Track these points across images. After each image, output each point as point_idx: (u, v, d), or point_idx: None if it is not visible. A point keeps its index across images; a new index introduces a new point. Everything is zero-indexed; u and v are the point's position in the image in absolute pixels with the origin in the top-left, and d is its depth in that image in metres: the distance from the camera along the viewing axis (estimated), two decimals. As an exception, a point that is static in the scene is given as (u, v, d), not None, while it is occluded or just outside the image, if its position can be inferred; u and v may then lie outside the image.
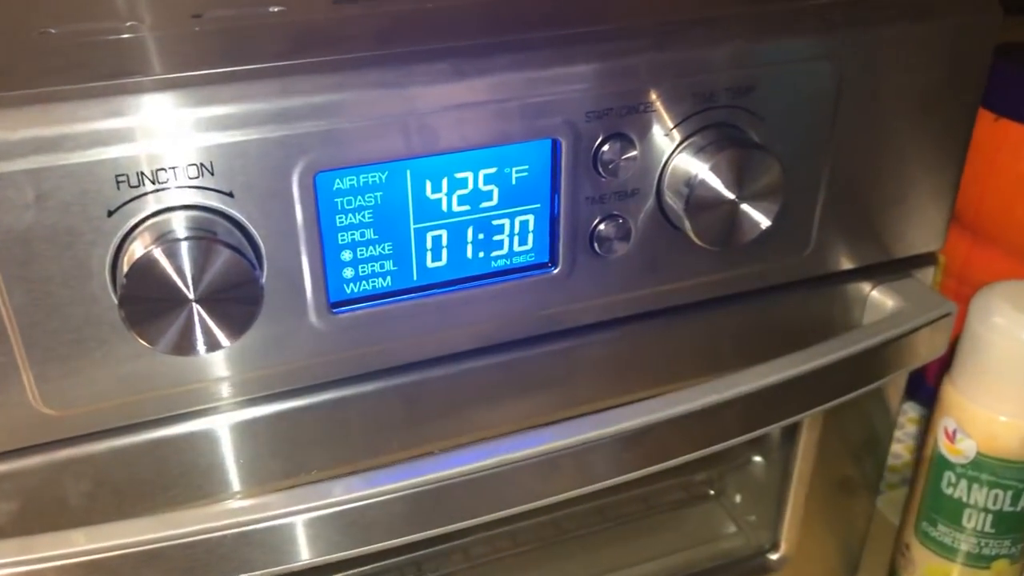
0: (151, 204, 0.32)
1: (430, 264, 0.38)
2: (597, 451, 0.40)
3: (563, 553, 0.60)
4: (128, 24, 0.38)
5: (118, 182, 0.32)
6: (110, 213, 0.32)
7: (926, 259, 0.49)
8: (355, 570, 0.56)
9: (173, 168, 0.32)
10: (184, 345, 0.32)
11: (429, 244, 0.38)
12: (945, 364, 0.54)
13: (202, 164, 0.32)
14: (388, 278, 0.38)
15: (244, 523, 0.35)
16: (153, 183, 0.32)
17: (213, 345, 0.33)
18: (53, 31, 0.37)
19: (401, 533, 0.38)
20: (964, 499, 0.53)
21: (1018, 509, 0.52)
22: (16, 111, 0.30)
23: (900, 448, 0.73)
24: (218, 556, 0.35)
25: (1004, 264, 0.64)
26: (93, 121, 0.31)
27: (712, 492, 0.64)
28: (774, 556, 0.58)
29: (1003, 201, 0.63)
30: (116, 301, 0.33)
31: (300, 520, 0.36)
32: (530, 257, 0.40)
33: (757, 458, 0.60)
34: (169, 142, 0.32)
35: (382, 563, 0.57)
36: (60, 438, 0.36)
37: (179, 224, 0.32)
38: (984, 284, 0.53)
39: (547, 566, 0.59)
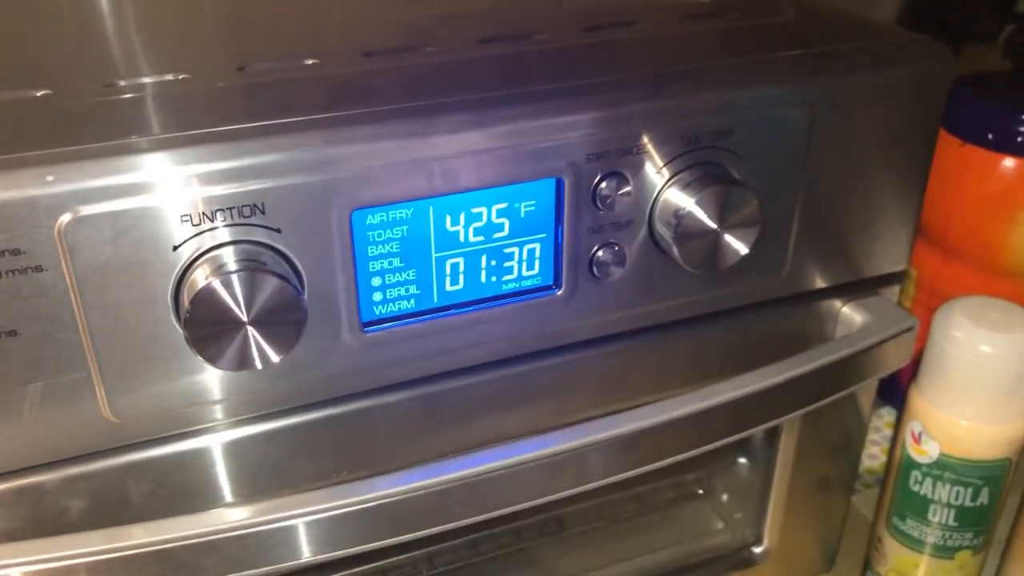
0: (209, 239, 0.36)
1: (449, 288, 0.42)
2: (597, 452, 0.43)
3: (564, 548, 0.63)
4: (181, 77, 0.42)
5: (182, 220, 0.35)
6: (175, 248, 0.36)
7: (892, 278, 0.52)
8: (373, 564, 0.59)
9: (230, 208, 0.36)
10: (240, 362, 0.36)
11: (448, 270, 0.41)
12: (913, 376, 0.57)
13: (255, 204, 0.36)
14: (412, 300, 0.41)
15: (288, 517, 0.39)
16: (212, 221, 0.36)
17: (265, 361, 0.37)
18: (120, 83, 0.41)
19: (426, 525, 0.41)
20: (929, 496, 0.55)
21: (978, 504, 0.54)
22: (97, 162, 0.34)
23: (877, 450, 0.76)
24: (267, 547, 0.39)
25: (971, 279, 0.67)
26: (162, 168, 0.34)
27: (701, 492, 0.67)
28: (758, 549, 0.61)
29: (969, 221, 0.66)
30: (178, 324, 0.37)
31: (337, 515, 0.39)
32: (536, 281, 0.43)
33: (742, 459, 0.63)
34: (226, 186, 0.35)
35: (398, 558, 0.60)
36: (124, 444, 0.39)
37: (234, 256, 0.36)
38: (953, 297, 0.55)
39: (549, 560, 0.62)
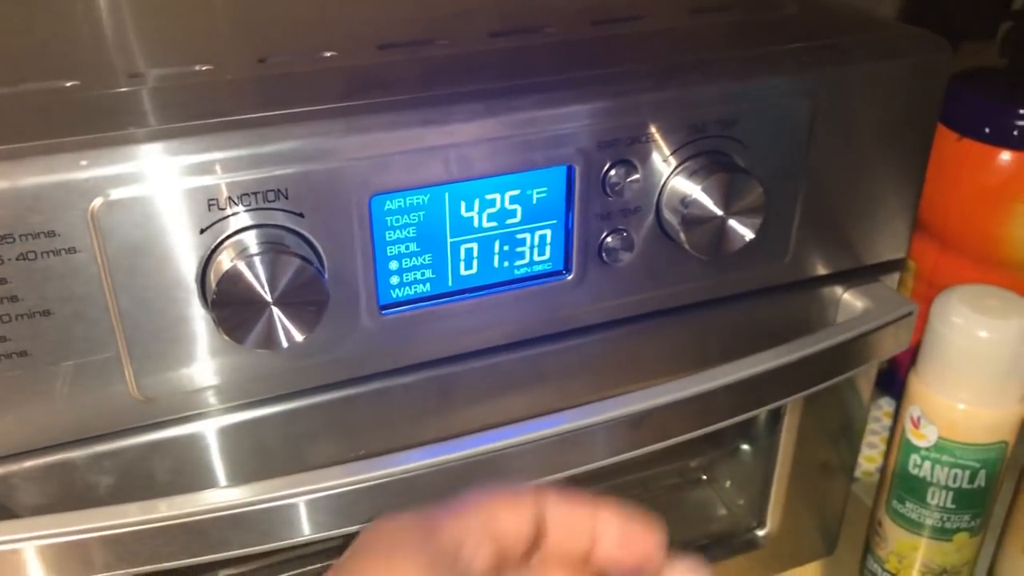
0: (235, 223, 0.37)
1: (463, 272, 0.43)
2: (604, 432, 0.45)
3: None
4: (204, 69, 0.43)
5: (209, 205, 0.37)
6: (202, 231, 0.37)
7: (892, 265, 0.53)
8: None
9: (254, 194, 0.37)
10: (266, 340, 0.38)
11: (463, 255, 0.43)
12: (912, 362, 0.58)
13: (278, 190, 0.37)
14: (428, 284, 0.43)
15: (307, 492, 0.40)
16: (237, 205, 0.37)
17: (289, 339, 0.38)
18: (146, 74, 0.42)
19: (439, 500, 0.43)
20: (928, 478, 0.56)
21: (975, 487, 0.56)
22: (127, 148, 0.35)
23: (877, 439, 0.77)
24: (287, 520, 0.40)
25: (968, 270, 0.68)
26: (189, 155, 0.36)
27: (704, 477, 0.68)
28: (760, 533, 0.62)
29: (966, 214, 0.68)
30: (204, 305, 0.38)
31: (354, 490, 0.41)
32: (547, 266, 0.45)
33: (744, 445, 0.64)
34: (251, 172, 0.37)
35: None
36: (151, 422, 0.41)
37: (258, 240, 0.37)
38: (951, 288, 0.56)
39: None
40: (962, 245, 0.69)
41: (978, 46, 0.81)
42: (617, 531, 0.33)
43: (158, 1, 0.55)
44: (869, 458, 0.76)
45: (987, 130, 0.65)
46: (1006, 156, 0.65)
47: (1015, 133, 0.64)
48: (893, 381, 0.76)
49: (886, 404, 0.80)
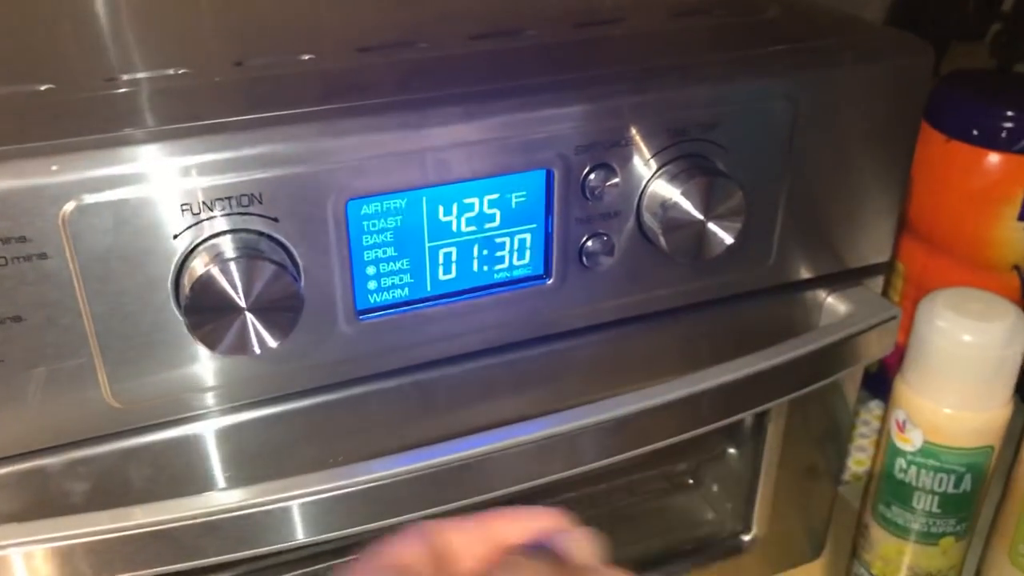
0: (208, 228, 0.37)
1: (442, 277, 0.43)
2: (587, 436, 0.44)
3: None
4: (180, 72, 0.43)
5: (182, 210, 0.36)
6: (175, 236, 0.37)
7: (875, 269, 0.53)
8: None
9: (228, 198, 0.37)
10: (239, 347, 0.37)
11: (441, 260, 0.42)
12: (898, 366, 0.58)
13: (252, 194, 0.37)
14: (406, 289, 0.42)
15: (284, 499, 0.40)
16: (211, 210, 0.37)
17: (263, 346, 0.38)
18: (121, 78, 0.42)
19: (419, 508, 0.42)
20: (914, 483, 0.56)
21: (961, 491, 0.55)
22: (99, 152, 0.35)
23: (866, 442, 0.77)
24: (264, 528, 0.40)
25: (956, 272, 0.68)
26: (163, 159, 0.35)
27: (691, 482, 0.67)
28: (747, 537, 0.62)
29: (954, 216, 0.67)
30: (178, 311, 0.38)
31: (332, 496, 0.40)
32: (527, 270, 0.44)
33: (731, 449, 0.63)
34: (225, 176, 0.36)
35: None
36: (126, 428, 0.40)
37: (232, 244, 0.37)
38: (939, 289, 0.55)
39: None
40: (950, 247, 0.69)
41: (967, 47, 0.81)
42: (511, 521, 0.34)
43: (135, 4, 0.55)
44: (859, 461, 0.75)
45: (975, 132, 0.65)
46: (994, 158, 0.65)
47: (1003, 135, 0.64)
48: (883, 384, 0.76)
49: (876, 407, 0.80)
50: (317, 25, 0.51)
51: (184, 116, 0.38)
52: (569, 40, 0.48)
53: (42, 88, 0.41)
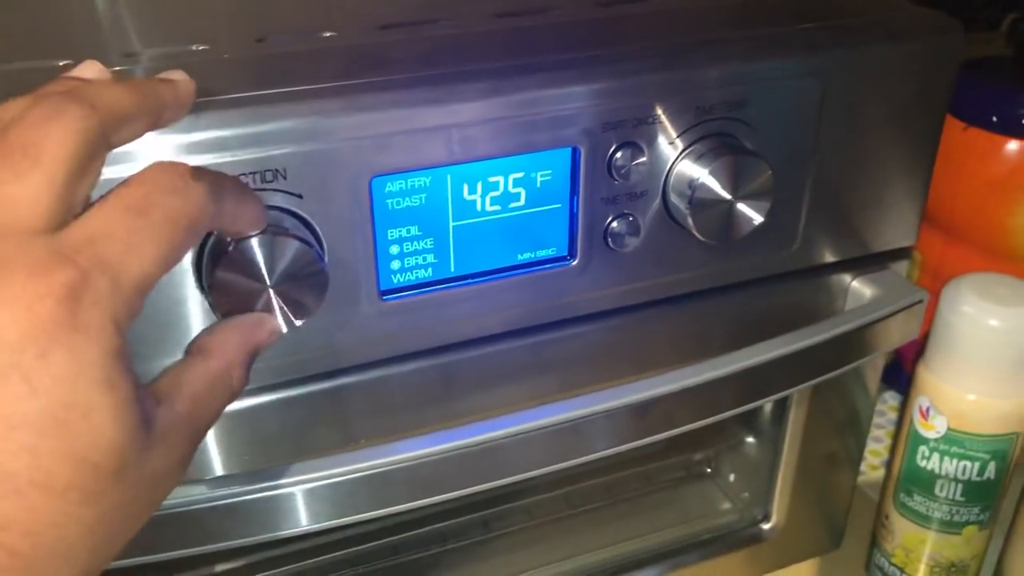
0: None
1: (465, 257, 0.42)
2: (608, 420, 0.44)
3: (574, 527, 0.63)
4: (201, 48, 0.42)
5: None
6: None
7: (901, 253, 0.52)
8: (385, 540, 0.60)
9: (252, 173, 0.36)
10: (263, 326, 0.37)
11: (465, 239, 0.42)
12: (920, 353, 0.57)
13: (277, 170, 0.36)
14: (430, 269, 0.42)
15: (305, 481, 0.40)
16: None
17: (287, 325, 0.37)
18: (142, 53, 0.41)
19: (440, 491, 0.42)
20: (936, 471, 0.56)
21: (984, 479, 0.55)
22: None
23: (882, 433, 0.77)
24: (285, 510, 0.40)
25: (974, 261, 0.67)
26: (188, 134, 0.35)
27: (709, 471, 0.67)
28: (766, 527, 0.62)
29: (972, 204, 0.67)
30: (200, 289, 0.37)
31: (353, 479, 0.40)
32: (552, 251, 0.44)
33: (749, 438, 0.63)
34: (248, 151, 0.36)
35: (409, 534, 0.60)
36: None
37: None
38: (956, 279, 0.55)
39: (559, 538, 0.62)
40: (968, 236, 0.69)
41: (984, 36, 0.81)
42: None
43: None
44: (874, 451, 0.75)
45: (994, 119, 0.65)
46: (1013, 145, 0.64)
47: (1022, 122, 0.64)
48: (898, 375, 0.76)
49: (891, 398, 0.80)
50: (338, 3, 0.50)
51: (206, 91, 0.37)
52: (595, 17, 0.47)
53: (61, 64, 0.40)
